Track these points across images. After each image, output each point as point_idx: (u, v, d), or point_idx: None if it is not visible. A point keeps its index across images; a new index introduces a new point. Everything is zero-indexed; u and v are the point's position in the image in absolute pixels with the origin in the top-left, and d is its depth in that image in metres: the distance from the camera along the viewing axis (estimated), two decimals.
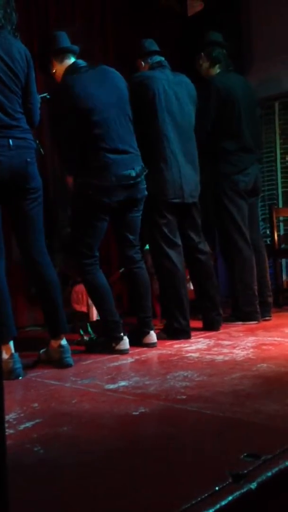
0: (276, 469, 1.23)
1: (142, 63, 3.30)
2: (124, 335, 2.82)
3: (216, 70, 3.72)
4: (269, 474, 1.21)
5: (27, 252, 2.50)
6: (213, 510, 1.06)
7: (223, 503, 1.09)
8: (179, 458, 1.34)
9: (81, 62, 2.89)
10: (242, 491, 1.13)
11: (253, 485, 1.16)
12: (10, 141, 2.34)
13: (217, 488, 1.13)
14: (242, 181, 3.65)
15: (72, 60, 2.91)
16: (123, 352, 2.77)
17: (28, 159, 2.40)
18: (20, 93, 2.43)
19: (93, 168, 2.76)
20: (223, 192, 3.62)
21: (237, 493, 1.12)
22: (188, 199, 3.24)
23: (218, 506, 1.07)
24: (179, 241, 3.22)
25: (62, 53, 2.90)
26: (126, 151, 2.85)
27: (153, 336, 2.94)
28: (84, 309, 3.27)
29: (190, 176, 3.24)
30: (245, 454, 1.30)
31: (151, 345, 2.91)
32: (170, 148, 3.14)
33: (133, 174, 2.83)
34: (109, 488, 1.18)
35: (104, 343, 2.85)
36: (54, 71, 2.93)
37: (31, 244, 2.48)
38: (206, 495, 1.10)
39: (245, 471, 1.21)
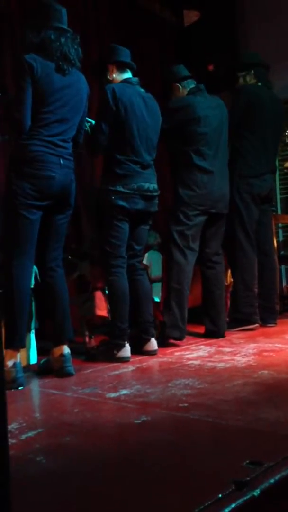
0: (279, 476, 1.23)
1: (180, 87, 3.47)
2: (127, 343, 2.83)
3: (258, 85, 3.88)
4: (272, 481, 1.21)
5: (45, 262, 2.61)
6: None
7: (226, 510, 1.08)
8: (181, 466, 1.34)
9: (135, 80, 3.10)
10: (245, 498, 1.13)
11: (256, 492, 1.16)
12: (61, 160, 2.51)
13: (220, 495, 1.13)
14: (258, 185, 3.73)
15: (129, 75, 3.09)
16: (124, 359, 2.79)
17: (72, 178, 2.61)
18: (78, 121, 2.65)
19: (119, 176, 2.94)
20: (238, 193, 3.69)
21: (240, 501, 1.12)
22: (222, 210, 3.45)
23: None
24: (197, 247, 3.36)
25: (124, 67, 3.08)
26: (148, 165, 3.06)
27: (153, 343, 2.95)
28: (104, 313, 3.28)
29: (225, 188, 3.48)
30: (247, 461, 1.30)
31: (152, 353, 2.92)
32: (211, 163, 3.38)
33: (151, 188, 3.04)
34: (111, 498, 1.18)
35: (106, 350, 2.86)
36: (111, 79, 3.05)
37: (51, 256, 2.60)
38: (209, 502, 1.10)
39: (248, 479, 1.21)
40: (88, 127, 2.92)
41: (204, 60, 4.99)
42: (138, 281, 3.04)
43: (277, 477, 1.23)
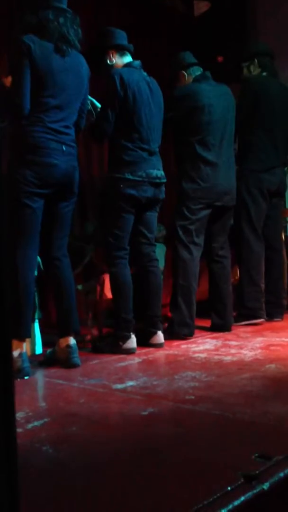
0: None
1: (185, 74, 3.39)
2: (132, 334, 2.82)
3: (263, 75, 3.80)
4: (282, 474, 1.20)
5: (50, 251, 2.57)
6: (225, 510, 1.05)
7: (235, 503, 1.07)
8: (189, 459, 1.33)
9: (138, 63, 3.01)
10: (255, 491, 1.12)
11: (265, 486, 1.15)
12: (63, 147, 2.46)
13: (229, 488, 1.11)
14: (267, 180, 3.67)
15: (129, 58, 3.01)
16: (130, 351, 2.78)
17: (75, 165, 2.55)
18: (79, 105, 2.59)
19: (126, 163, 2.87)
20: (246, 187, 3.64)
21: (249, 494, 1.11)
22: (228, 203, 3.38)
23: (230, 506, 1.06)
24: (201, 242, 3.30)
25: (123, 50, 3.00)
26: (155, 152, 3.00)
27: (160, 336, 2.93)
28: None
29: (231, 180, 3.40)
30: (256, 455, 1.29)
31: (158, 346, 2.90)
32: (216, 154, 3.29)
33: (159, 174, 2.99)
34: (118, 489, 1.17)
35: (112, 342, 2.85)
36: (112, 63, 2.97)
37: (56, 245, 2.56)
38: (218, 495, 1.09)
39: (257, 472, 1.19)
40: (89, 104, 2.84)
41: (214, 51, 4.94)
42: (152, 272, 3.00)
43: (286, 471, 1.22)
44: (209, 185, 3.25)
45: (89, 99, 2.87)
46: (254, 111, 3.66)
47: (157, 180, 2.97)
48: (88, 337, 3.12)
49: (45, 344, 2.88)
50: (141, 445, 1.44)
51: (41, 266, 2.70)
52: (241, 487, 1.13)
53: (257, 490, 1.13)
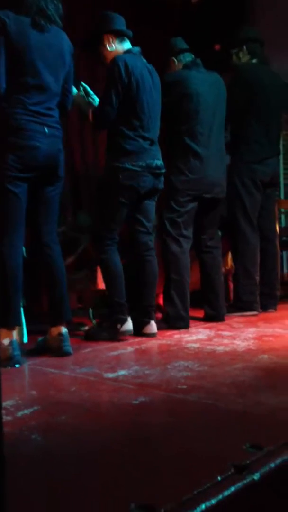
0: (280, 460, 1.21)
1: (175, 61, 3.33)
2: (129, 317, 2.83)
3: (253, 62, 3.75)
4: (272, 465, 1.19)
5: (40, 238, 2.51)
6: (215, 500, 1.03)
7: (225, 493, 1.06)
8: (180, 449, 1.32)
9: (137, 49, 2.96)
10: (245, 482, 1.11)
11: (256, 476, 1.13)
12: (46, 129, 2.39)
13: (219, 478, 1.10)
14: (260, 171, 3.64)
15: (129, 44, 2.95)
16: (127, 333, 2.80)
17: (60, 148, 2.48)
18: (62, 83, 2.49)
19: (126, 152, 2.83)
20: (240, 179, 3.61)
21: (239, 484, 1.10)
22: (218, 194, 3.33)
23: (220, 496, 1.04)
24: (190, 234, 3.27)
25: (122, 35, 2.93)
26: (155, 142, 2.97)
27: (153, 326, 2.92)
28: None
29: (221, 171, 3.35)
30: (247, 445, 1.28)
31: (151, 335, 2.89)
32: (205, 145, 3.23)
33: (159, 164, 2.95)
34: (108, 478, 1.15)
35: (109, 326, 2.84)
36: (111, 49, 2.91)
37: (45, 231, 2.51)
38: (208, 485, 1.07)
39: (248, 462, 1.18)
40: (82, 91, 2.81)
41: (212, 40, 4.88)
42: (148, 262, 2.98)
43: (277, 462, 1.21)
44: (197, 177, 3.20)
45: (82, 85, 2.82)
46: (246, 100, 3.60)
47: (157, 170, 2.93)
48: (86, 328, 3.11)
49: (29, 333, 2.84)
50: (132, 434, 1.43)
51: (25, 254, 2.64)
52: (231, 478, 1.11)
53: (248, 480, 1.11)
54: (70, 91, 2.60)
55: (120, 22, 2.95)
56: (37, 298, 3.13)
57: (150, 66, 2.97)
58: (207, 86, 3.27)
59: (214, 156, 3.27)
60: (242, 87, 3.60)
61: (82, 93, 2.85)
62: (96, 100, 2.96)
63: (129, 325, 2.82)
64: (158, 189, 2.99)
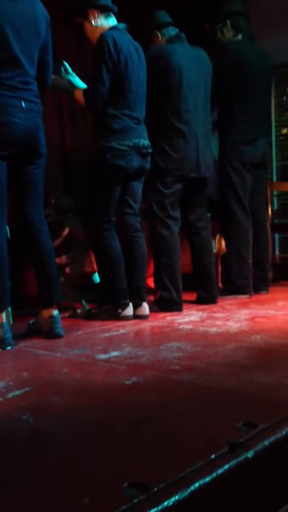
0: (273, 438, 1.20)
1: (159, 35, 3.23)
2: (130, 302, 2.83)
3: (239, 38, 3.65)
4: (266, 443, 1.18)
5: (26, 218, 2.45)
6: (209, 478, 1.02)
7: (219, 471, 1.05)
8: (173, 428, 1.30)
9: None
10: (239, 459, 1.10)
11: (250, 454, 1.12)
12: (23, 103, 2.29)
13: (213, 456, 1.09)
14: (249, 152, 3.59)
15: (114, 20, 2.87)
16: (128, 318, 2.80)
17: (39, 123, 2.38)
18: (37, 55, 2.38)
19: (113, 131, 2.78)
20: (229, 161, 3.56)
21: (233, 462, 1.08)
22: (204, 173, 3.26)
23: (214, 474, 1.03)
24: (178, 215, 3.21)
25: (108, 11, 2.86)
26: (142, 121, 2.91)
27: (145, 308, 2.90)
28: (93, 268, 3.21)
29: (207, 150, 3.26)
30: (241, 423, 1.27)
31: (143, 317, 2.87)
32: (190, 124, 3.15)
33: (146, 144, 2.90)
34: (100, 458, 1.14)
35: (110, 309, 2.84)
36: (97, 25, 2.83)
37: (31, 210, 2.45)
38: (201, 463, 1.06)
39: (242, 440, 1.17)
40: (63, 71, 2.74)
41: (201, 19, 4.79)
42: (136, 243, 2.96)
43: (271, 439, 1.20)
44: (181, 156, 3.12)
45: (64, 65, 2.75)
46: (232, 80, 3.51)
47: (144, 150, 2.89)
48: (79, 310, 3.09)
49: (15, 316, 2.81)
50: (124, 413, 1.41)
51: (8, 234, 2.58)
52: (225, 456, 1.10)
53: (242, 458, 1.10)
54: (49, 63, 2.48)
55: None
56: (23, 280, 3.09)
57: (136, 44, 2.90)
58: (191, 61, 3.16)
59: (200, 134, 3.18)
60: (227, 66, 3.49)
61: (63, 73, 2.78)
62: (77, 80, 2.88)
63: (130, 310, 2.83)
64: (145, 170, 2.95)
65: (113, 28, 2.83)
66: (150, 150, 2.94)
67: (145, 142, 2.89)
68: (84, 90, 2.80)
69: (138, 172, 2.91)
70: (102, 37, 2.74)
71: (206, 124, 3.27)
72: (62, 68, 2.85)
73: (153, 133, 3.09)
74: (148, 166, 2.96)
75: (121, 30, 2.84)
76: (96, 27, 2.83)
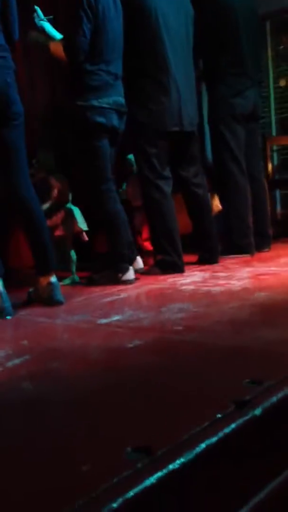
0: (282, 394, 1.15)
1: None
2: (131, 266, 2.78)
3: None
4: (274, 399, 1.14)
5: (11, 184, 2.33)
6: (216, 438, 0.98)
7: (226, 431, 1.01)
8: (178, 388, 1.26)
9: None
10: (246, 418, 1.05)
11: (257, 411, 1.08)
12: None
13: (219, 415, 1.05)
14: (239, 104, 3.43)
15: None
16: (129, 282, 2.75)
17: (9, 80, 2.22)
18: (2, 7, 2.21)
19: (91, 88, 2.64)
20: (219, 117, 3.42)
21: (241, 421, 1.04)
22: (187, 127, 3.08)
23: (221, 434, 0.99)
24: (168, 173, 3.07)
25: None
26: (118, 77, 2.75)
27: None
28: (83, 227, 3.13)
29: (190, 103, 3.08)
30: (247, 380, 1.22)
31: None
32: (170, 74, 2.95)
33: (123, 102, 2.76)
34: (102, 422, 1.10)
35: (110, 274, 2.79)
36: None
37: (15, 175, 2.32)
38: (207, 424, 1.02)
39: (249, 398, 1.13)
40: (35, 16, 2.59)
41: None
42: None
43: (279, 396, 1.15)
44: (161, 109, 2.93)
45: (36, 10, 2.58)
46: (216, 29, 3.32)
47: (122, 109, 2.74)
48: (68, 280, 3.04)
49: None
50: (125, 377, 1.37)
51: None
52: (232, 414, 1.06)
53: (249, 416, 1.06)
54: (13, 15, 2.29)
55: None
56: (16, 253, 3.03)
57: None
58: (170, 4, 2.96)
59: (181, 84, 2.99)
60: (209, 15, 3.31)
61: (37, 19, 2.62)
62: (49, 27, 2.71)
63: (131, 274, 2.77)
64: (120, 131, 2.80)
65: None
66: (126, 110, 2.79)
67: (122, 100, 2.75)
68: (64, 44, 2.64)
69: (114, 133, 2.77)
70: None
71: (188, 73, 3.08)
72: (35, 14, 2.69)
73: (131, 85, 2.92)
74: (122, 127, 2.82)
75: None
76: None
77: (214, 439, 0.98)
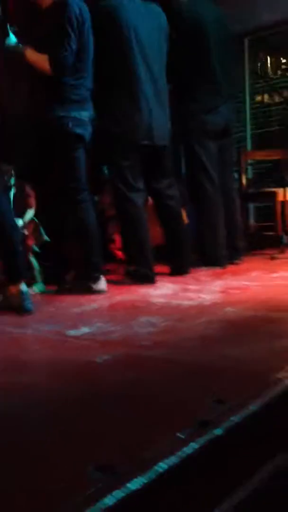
0: (243, 414, 1.19)
1: None
2: (102, 275, 2.80)
3: None
4: (236, 419, 1.17)
5: None
6: (177, 458, 1.01)
7: (188, 450, 1.03)
8: (142, 406, 1.28)
9: None
10: (207, 437, 1.08)
11: (218, 431, 1.11)
12: None
13: (181, 435, 1.07)
14: (211, 121, 3.47)
15: None
16: (101, 291, 2.77)
17: None
18: None
19: (72, 101, 2.71)
20: (190, 132, 3.45)
21: (202, 440, 1.07)
22: (158, 141, 3.11)
23: (182, 454, 1.01)
24: (141, 186, 3.10)
25: None
26: (91, 90, 2.82)
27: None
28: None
29: (161, 117, 3.10)
30: (211, 399, 1.25)
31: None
32: (141, 87, 2.98)
33: (94, 115, 2.83)
34: (64, 439, 1.11)
35: (81, 284, 2.80)
36: None
37: None
38: (170, 442, 1.04)
39: (211, 417, 1.16)
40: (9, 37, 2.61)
41: None
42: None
43: (242, 415, 1.19)
44: (131, 123, 2.96)
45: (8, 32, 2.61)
46: (188, 46, 3.35)
47: (93, 122, 2.81)
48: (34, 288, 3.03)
49: None
50: (91, 392, 1.38)
51: None
52: (194, 434, 1.09)
53: (211, 436, 1.09)
54: None
55: None
56: None
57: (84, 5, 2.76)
58: (142, 17, 2.98)
59: (152, 98, 3.02)
60: (181, 33, 3.33)
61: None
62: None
63: (102, 284, 2.79)
64: (88, 142, 2.86)
65: None
66: (95, 123, 2.87)
67: (93, 114, 2.83)
68: (52, 59, 2.67)
69: (87, 144, 2.83)
70: (69, 3, 2.63)
71: (160, 88, 3.10)
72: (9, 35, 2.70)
73: (102, 97, 2.95)
74: (89, 137, 2.87)
75: None
76: None
77: (175, 459, 1.00)
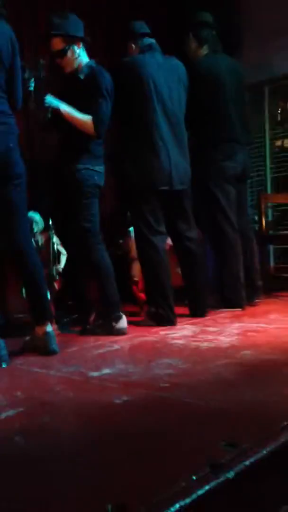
0: (254, 458, 1.24)
1: (133, 46, 3.25)
2: (122, 313, 2.92)
3: (204, 51, 3.64)
4: (247, 463, 1.23)
5: (11, 239, 2.47)
6: (189, 499, 1.07)
7: (199, 492, 1.10)
8: (157, 448, 1.35)
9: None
10: (219, 480, 1.14)
11: (230, 474, 1.17)
12: None
13: (194, 477, 1.14)
14: (230, 167, 3.61)
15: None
16: (122, 330, 2.87)
17: (11, 145, 2.39)
18: (4, 76, 2.40)
19: (95, 156, 2.97)
20: (210, 178, 3.58)
21: (213, 483, 1.13)
22: (177, 186, 3.23)
23: (194, 496, 1.08)
24: (163, 229, 3.23)
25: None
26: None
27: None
28: None
29: (180, 163, 3.24)
30: (224, 443, 1.31)
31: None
32: (160, 135, 3.14)
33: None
34: (85, 479, 1.18)
35: (104, 323, 2.92)
36: (77, 56, 2.96)
37: (15, 231, 2.47)
38: (183, 484, 1.11)
39: (223, 461, 1.22)
40: (32, 87, 2.77)
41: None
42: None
43: (252, 459, 1.24)
44: (151, 169, 3.11)
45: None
46: (205, 98, 3.51)
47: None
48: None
49: None
50: (111, 434, 1.46)
51: None
52: (206, 476, 1.15)
53: (222, 479, 1.15)
54: (16, 83, 2.45)
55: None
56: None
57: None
58: (162, 71, 3.15)
59: (172, 146, 3.16)
60: (198, 86, 3.45)
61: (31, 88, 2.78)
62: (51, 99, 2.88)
63: (123, 322, 2.89)
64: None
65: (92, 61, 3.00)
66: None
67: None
68: (97, 121, 2.87)
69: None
70: (102, 73, 2.94)
71: (180, 135, 3.24)
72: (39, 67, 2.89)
73: (124, 148, 3.20)
74: None
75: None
76: (75, 58, 2.94)
77: (187, 500, 1.07)
